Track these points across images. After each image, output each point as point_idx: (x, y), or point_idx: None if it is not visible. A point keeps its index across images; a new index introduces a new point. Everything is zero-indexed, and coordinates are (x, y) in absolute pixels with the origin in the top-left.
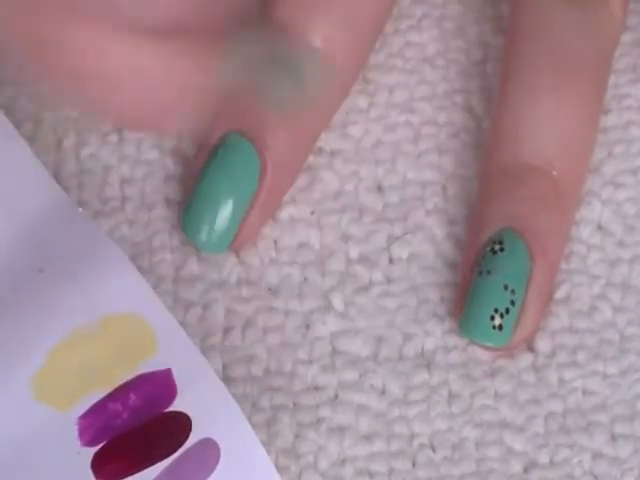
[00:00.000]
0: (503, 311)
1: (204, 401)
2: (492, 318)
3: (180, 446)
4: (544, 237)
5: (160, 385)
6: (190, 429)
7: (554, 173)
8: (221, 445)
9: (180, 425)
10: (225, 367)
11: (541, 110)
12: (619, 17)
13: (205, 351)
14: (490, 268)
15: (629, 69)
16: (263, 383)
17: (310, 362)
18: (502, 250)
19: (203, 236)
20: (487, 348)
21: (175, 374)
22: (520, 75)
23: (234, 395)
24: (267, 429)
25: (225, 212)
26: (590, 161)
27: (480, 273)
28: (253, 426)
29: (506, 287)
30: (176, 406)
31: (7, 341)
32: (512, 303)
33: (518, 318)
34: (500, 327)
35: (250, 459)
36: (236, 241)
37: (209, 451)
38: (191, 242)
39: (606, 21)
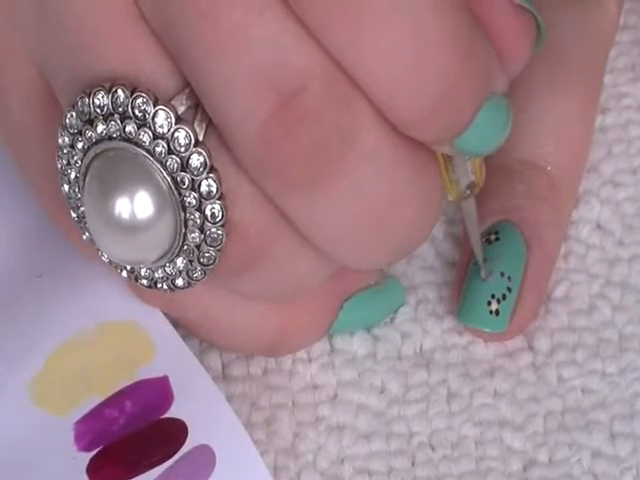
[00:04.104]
0: (500, 297)
1: (200, 408)
2: (489, 303)
3: (176, 452)
4: (540, 228)
5: (156, 392)
6: (186, 436)
7: (549, 169)
8: (217, 452)
9: (176, 431)
10: (224, 366)
11: (536, 107)
12: (614, 14)
13: (204, 350)
14: (486, 257)
15: (628, 68)
16: (262, 382)
17: (309, 361)
18: (497, 240)
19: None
20: (485, 336)
21: (172, 381)
22: None
23: (233, 394)
24: (266, 428)
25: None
26: (586, 157)
27: (476, 263)
28: (252, 425)
29: (502, 274)
30: (172, 413)
31: (5, 346)
32: (509, 290)
33: (515, 306)
34: (497, 312)
35: (246, 466)
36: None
37: (205, 458)
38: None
39: (601, 18)
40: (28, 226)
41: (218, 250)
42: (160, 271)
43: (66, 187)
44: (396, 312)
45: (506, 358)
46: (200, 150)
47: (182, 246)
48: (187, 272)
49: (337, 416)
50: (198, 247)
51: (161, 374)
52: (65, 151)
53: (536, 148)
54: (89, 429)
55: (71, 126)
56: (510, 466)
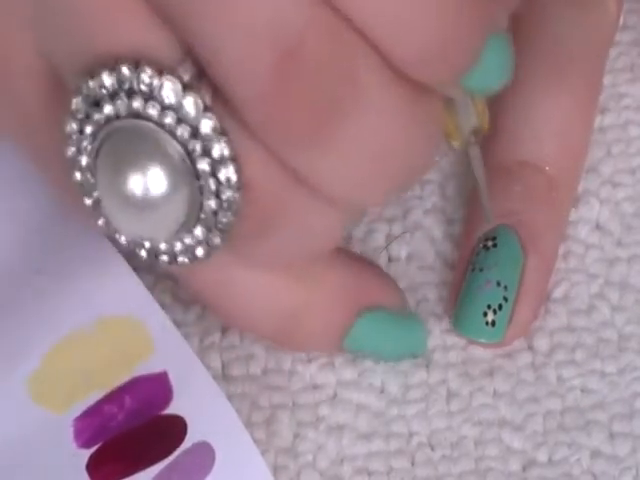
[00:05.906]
0: (496, 307)
1: (200, 404)
2: (485, 314)
3: (175, 449)
4: (537, 232)
5: (156, 388)
6: (185, 432)
7: (547, 169)
8: (216, 448)
9: (175, 428)
10: (224, 366)
11: (535, 108)
12: (614, 15)
13: (204, 350)
14: (483, 265)
15: (627, 68)
16: (262, 382)
17: (309, 361)
18: (495, 246)
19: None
20: (481, 344)
21: (171, 377)
22: (515, 73)
23: (233, 394)
24: (266, 428)
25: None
26: (585, 158)
27: (473, 270)
28: (252, 425)
29: (499, 283)
30: (172, 409)
31: (4, 342)
32: (505, 299)
33: (511, 315)
34: (493, 323)
35: (245, 463)
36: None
37: (204, 454)
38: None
39: (601, 19)
40: (26, 222)
41: (235, 215)
42: (179, 244)
43: (78, 175)
44: (416, 356)
45: (505, 358)
46: (209, 115)
47: (199, 215)
48: (206, 241)
49: (337, 416)
50: (215, 214)
51: (160, 370)
52: (74, 138)
53: (535, 148)
54: (88, 426)
55: (78, 111)
56: (509, 466)
